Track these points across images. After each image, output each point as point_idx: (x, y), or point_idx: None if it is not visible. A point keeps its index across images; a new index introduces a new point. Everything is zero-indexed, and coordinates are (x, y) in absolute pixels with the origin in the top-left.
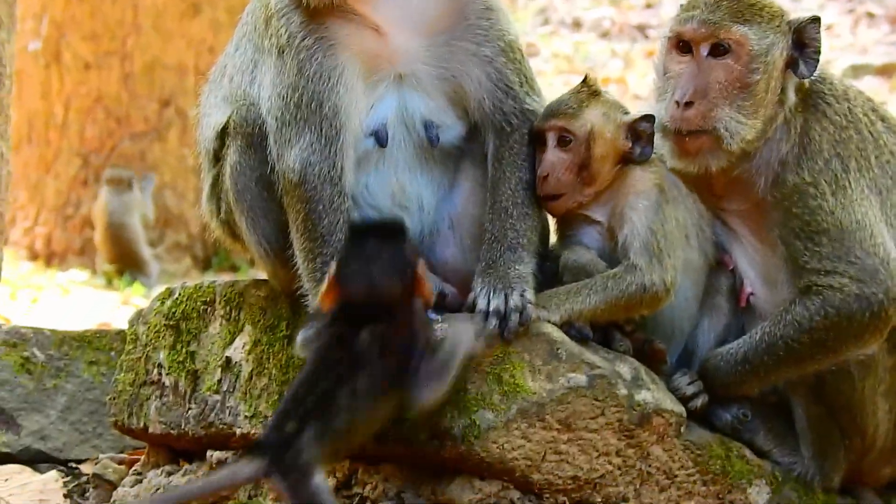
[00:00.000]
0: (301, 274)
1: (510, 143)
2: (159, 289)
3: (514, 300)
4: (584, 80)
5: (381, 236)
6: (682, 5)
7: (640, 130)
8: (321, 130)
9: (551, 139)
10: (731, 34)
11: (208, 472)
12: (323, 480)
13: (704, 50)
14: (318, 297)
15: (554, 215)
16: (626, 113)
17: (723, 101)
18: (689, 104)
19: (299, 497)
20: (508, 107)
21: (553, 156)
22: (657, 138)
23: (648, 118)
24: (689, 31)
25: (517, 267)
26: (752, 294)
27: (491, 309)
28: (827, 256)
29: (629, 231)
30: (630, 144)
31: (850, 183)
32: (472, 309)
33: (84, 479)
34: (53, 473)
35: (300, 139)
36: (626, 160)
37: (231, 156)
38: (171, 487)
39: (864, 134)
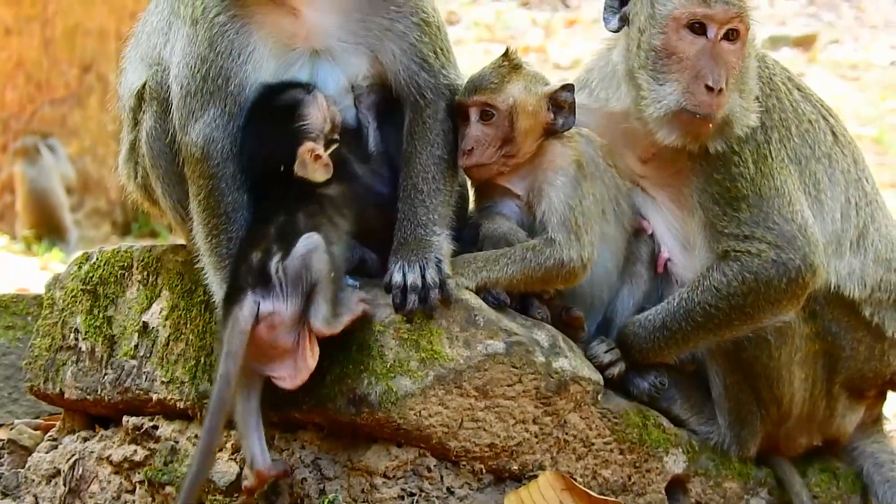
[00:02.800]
0: (199, 247)
1: (423, 117)
2: (77, 254)
3: (431, 274)
4: (506, 54)
5: (266, 116)
6: None
7: (560, 100)
8: (225, 106)
9: (474, 114)
10: (744, 20)
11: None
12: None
13: (720, 33)
14: (218, 278)
15: (474, 181)
16: (547, 84)
17: (733, 86)
18: (720, 90)
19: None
20: (423, 80)
21: (476, 130)
22: (656, 115)
23: (568, 87)
24: (717, 13)
25: (431, 240)
26: (669, 260)
27: (409, 283)
28: (745, 222)
29: (547, 207)
30: (552, 116)
31: (770, 152)
32: (388, 287)
33: None
34: None
35: (204, 113)
36: (548, 132)
37: (147, 120)
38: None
39: (785, 103)
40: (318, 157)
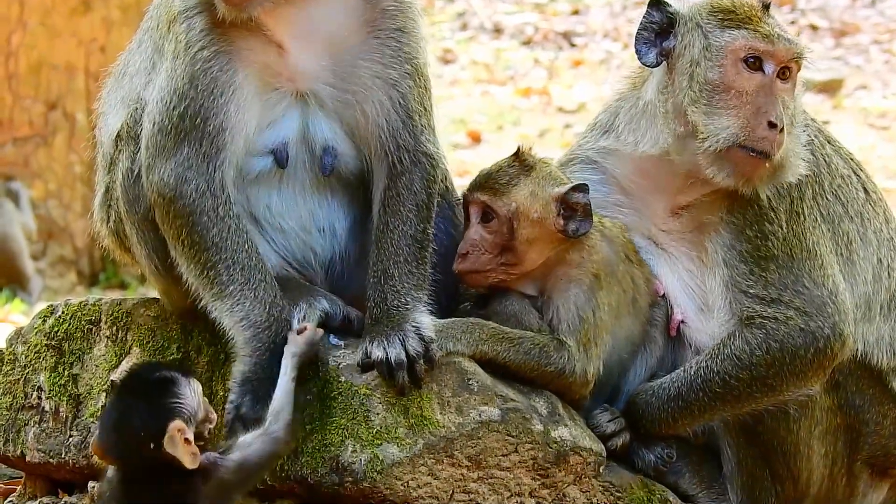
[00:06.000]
0: (197, 289)
1: (398, 187)
2: (41, 306)
3: (413, 345)
4: (517, 153)
5: (139, 387)
6: (733, 17)
7: (572, 203)
8: (200, 146)
9: (475, 214)
10: (800, 60)
11: None
12: None
13: (776, 70)
14: (226, 305)
15: (470, 287)
16: (560, 185)
17: (787, 127)
18: (781, 129)
19: None
20: (403, 140)
21: (475, 232)
22: (712, 150)
23: (580, 188)
24: (779, 51)
25: (405, 314)
26: (682, 322)
27: (392, 360)
28: (773, 284)
29: (556, 316)
30: (563, 221)
31: (804, 210)
32: (367, 365)
33: None
34: None
35: (177, 152)
36: (561, 239)
37: (123, 162)
38: None
39: (817, 156)
40: (187, 440)
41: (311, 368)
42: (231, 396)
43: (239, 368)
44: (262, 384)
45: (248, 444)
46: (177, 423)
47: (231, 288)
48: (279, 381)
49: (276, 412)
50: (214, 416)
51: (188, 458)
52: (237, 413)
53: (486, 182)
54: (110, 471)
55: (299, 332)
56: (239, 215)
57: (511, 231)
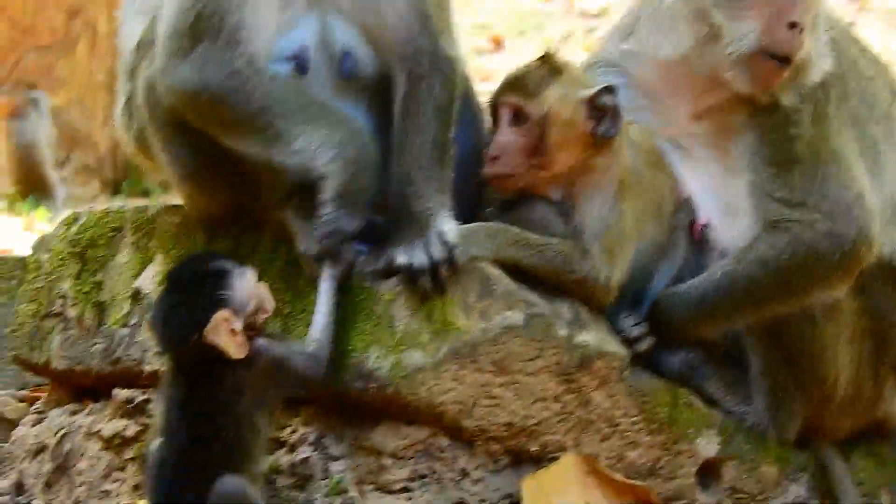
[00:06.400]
0: (266, 157)
1: (418, 92)
2: (65, 213)
3: (436, 250)
4: (545, 56)
5: (187, 278)
6: None
7: (601, 105)
8: (217, 42)
9: (505, 115)
10: None
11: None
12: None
13: None
14: (298, 144)
15: (500, 194)
16: (588, 87)
17: (809, 28)
18: (802, 29)
19: None
20: (423, 43)
21: (506, 135)
22: (733, 57)
23: (609, 89)
24: None
25: (428, 220)
26: (706, 226)
27: (415, 265)
28: (798, 187)
29: (580, 223)
30: (593, 123)
31: (829, 112)
32: (390, 271)
33: None
34: None
35: (193, 51)
36: (591, 141)
37: (144, 70)
38: None
39: (842, 58)
40: (233, 331)
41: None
42: (326, 215)
43: (330, 185)
44: (357, 196)
45: (295, 350)
46: (222, 314)
47: (297, 129)
48: (319, 305)
49: (318, 337)
50: (271, 305)
51: (233, 348)
52: (334, 228)
53: (517, 85)
54: (167, 361)
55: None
56: (274, 76)
57: (542, 133)
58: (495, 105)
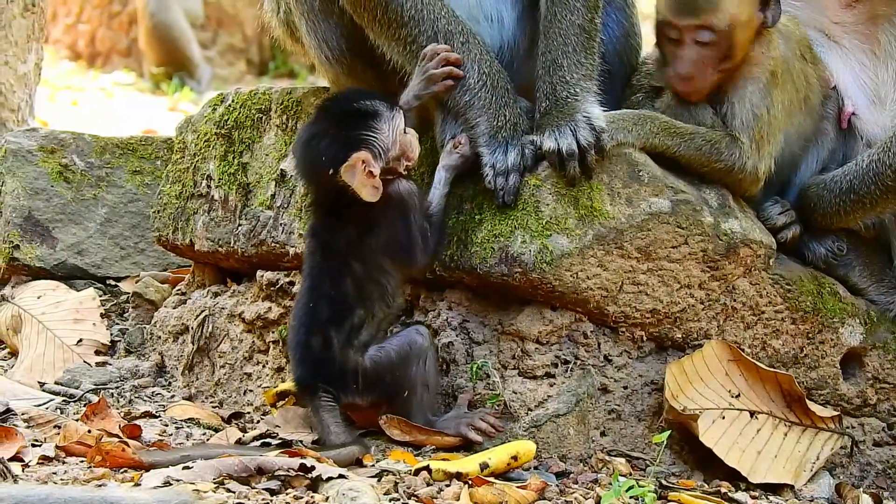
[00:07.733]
0: (403, 66)
1: None
2: (211, 94)
3: (584, 135)
4: None
5: (336, 113)
6: None
7: None
8: None
9: (690, 35)
10: None
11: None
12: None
13: None
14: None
15: (687, 100)
16: None
17: None
18: None
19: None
20: None
21: (693, 52)
22: None
23: None
24: None
25: (575, 104)
26: (854, 115)
27: (563, 150)
28: None
29: (729, 112)
30: (762, 16)
31: None
32: (538, 154)
33: (123, 297)
34: (90, 291)
35: None
36: (759, 31)
37: None
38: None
39: None
40: (370, 173)
41: (468, 180)
42: (483, 158)
43: (480, 128)
44: (513, 130)
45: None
46: (361, 154)
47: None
48: (432, 192)
49: (431, 222)
50: (414, 154)
51: (366, 189)
52: (498, 169)
53: (694, 4)
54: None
55: (455, 145)
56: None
57: (730, 41)
58: (672, 27)
